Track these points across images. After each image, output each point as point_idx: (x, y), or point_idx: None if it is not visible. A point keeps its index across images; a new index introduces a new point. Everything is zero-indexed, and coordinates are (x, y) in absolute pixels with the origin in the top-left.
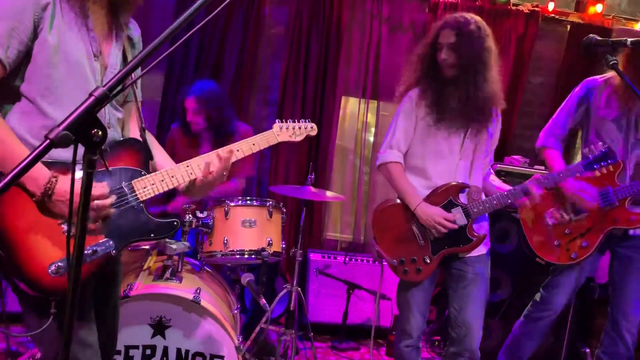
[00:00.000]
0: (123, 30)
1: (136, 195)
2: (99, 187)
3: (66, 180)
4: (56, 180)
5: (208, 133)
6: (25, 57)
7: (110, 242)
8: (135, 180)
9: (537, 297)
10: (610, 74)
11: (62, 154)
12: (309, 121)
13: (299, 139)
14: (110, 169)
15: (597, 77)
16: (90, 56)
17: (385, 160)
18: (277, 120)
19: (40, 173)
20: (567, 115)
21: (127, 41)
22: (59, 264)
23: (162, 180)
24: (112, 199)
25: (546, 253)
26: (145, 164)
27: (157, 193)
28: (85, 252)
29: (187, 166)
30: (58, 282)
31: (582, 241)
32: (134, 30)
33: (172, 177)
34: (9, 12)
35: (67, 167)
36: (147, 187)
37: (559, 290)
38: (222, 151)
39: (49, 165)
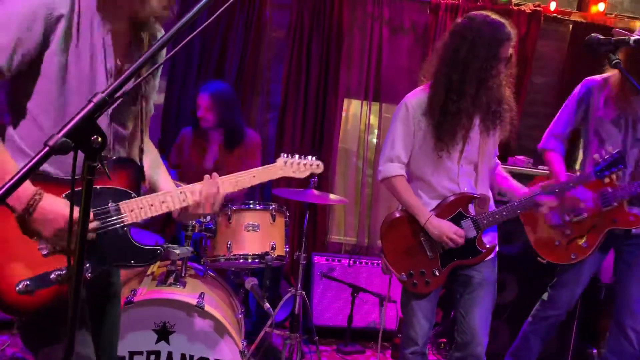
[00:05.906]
0: (144, 48)
1: (121, 218)
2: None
3: (50, 198)
4: (40, 198)
5: (217, 134)
6: (29, 68)
7: (86, 265)
8: (123, 202)
9: (545, 296)
10: (609, 73)
11: (50, 169)
12: (316, 159)
13: (303, 175)
14: (98, 187)
15: (597, 76)
16: (102, 73)
17: (388, 175)
18: (282, 155)
19: (24, 189)
20: (567, 116)
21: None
22: (27, 282)
23: (152, 205)
24: (95, 224)
25: (547, 252)
26: (137, 186)
27: (144, 218)
28: (54, 274)
29: (181, 192)
30: (25, 301)
31: (582, 242)
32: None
33: (163, 202)
34: (19, 18)
35: (57, 183)
36: (134, 210)
37: (564, 289)
38: (220, 182)
39: (41, 177)
